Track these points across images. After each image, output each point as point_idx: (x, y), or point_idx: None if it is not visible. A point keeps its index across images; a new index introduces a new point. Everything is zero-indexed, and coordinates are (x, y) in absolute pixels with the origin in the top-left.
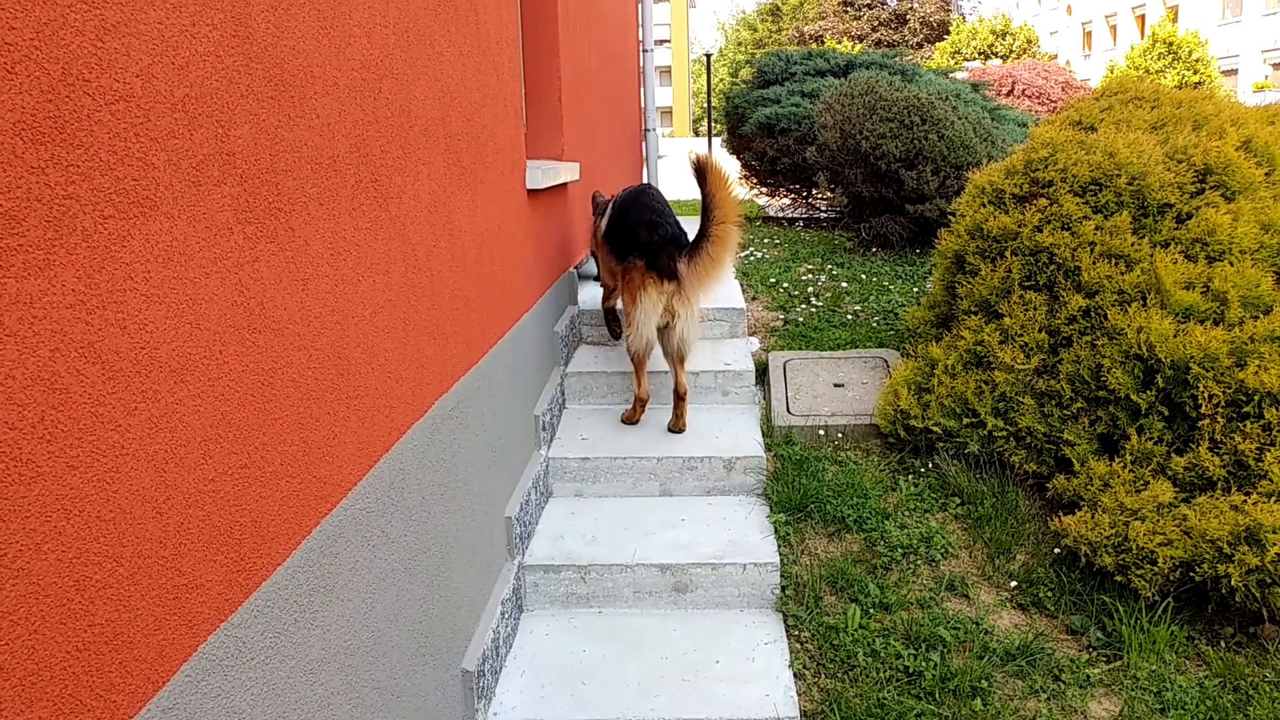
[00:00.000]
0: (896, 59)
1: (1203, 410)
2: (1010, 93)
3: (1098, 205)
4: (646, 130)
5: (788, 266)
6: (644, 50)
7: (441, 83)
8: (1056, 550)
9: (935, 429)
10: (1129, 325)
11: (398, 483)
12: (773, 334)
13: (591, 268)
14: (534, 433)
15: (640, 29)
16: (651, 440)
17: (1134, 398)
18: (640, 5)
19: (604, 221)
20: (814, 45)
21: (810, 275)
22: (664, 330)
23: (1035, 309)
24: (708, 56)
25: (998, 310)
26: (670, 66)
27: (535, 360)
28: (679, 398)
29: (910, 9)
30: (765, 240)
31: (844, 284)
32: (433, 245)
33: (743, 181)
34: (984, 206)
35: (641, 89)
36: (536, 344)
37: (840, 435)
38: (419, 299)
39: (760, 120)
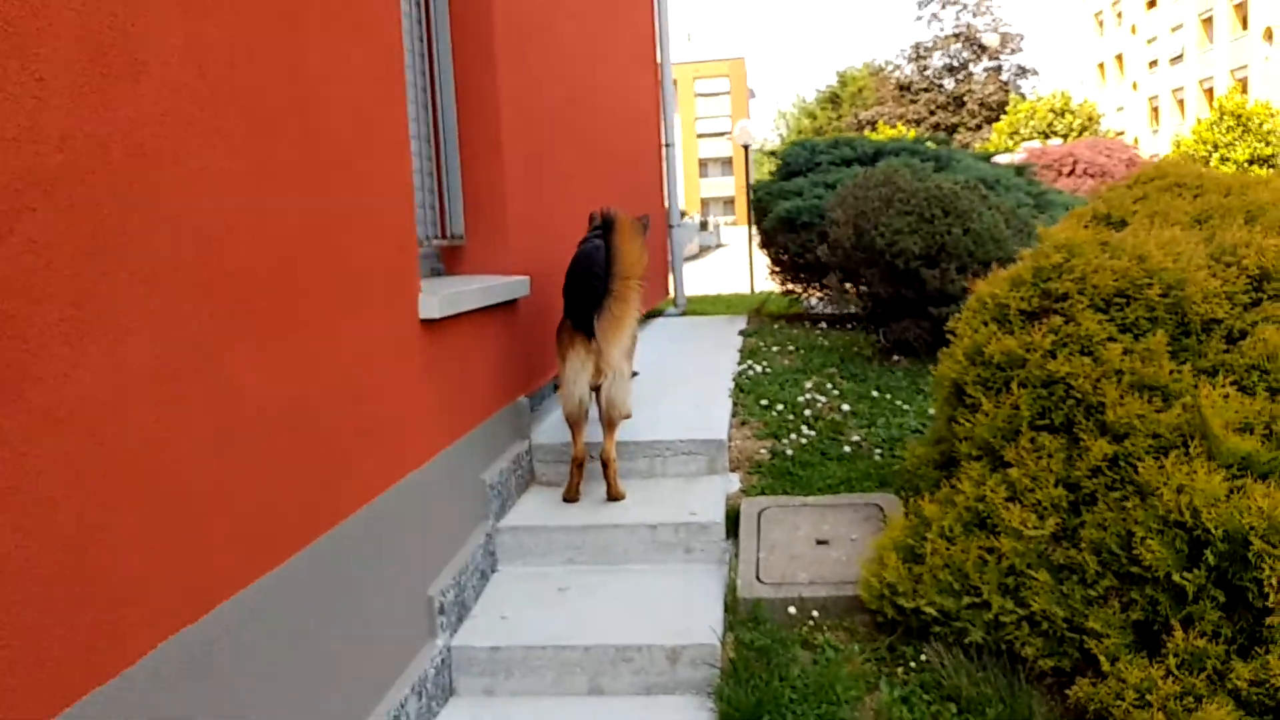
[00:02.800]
0: (929, 144)
1: (1270, 601)
2: (1071, 172)
3: (1125, 323)
4: (670, 226)
5: (794, 380)
6: (665, 145)
7: (199, 207)
8: None
9: (928, 610)
10: (1165, 483)
11: None
12: (756, 470)
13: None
14: (425, 619)
15: (661, 125)
16: (581, 620)
17: (1177, 578)
18: (660, 103)
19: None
20: (868, 131)
21: (813, 393)
22: (597, 392)
23: (1050, 456)
24: (745, 148)
25: (1003, 456)
26: (731, 157)
27: (434, 524)
28: (604, 463)
29: (968, 91)
30: (777, 346)
31: (849, 405)
32: (150, 435)
33: (772, 276)
34: (985, 325)
35: (664, 185)
36: (438, 502)
37: (819, 610)
38: (117, 521)
39: (780, 214)
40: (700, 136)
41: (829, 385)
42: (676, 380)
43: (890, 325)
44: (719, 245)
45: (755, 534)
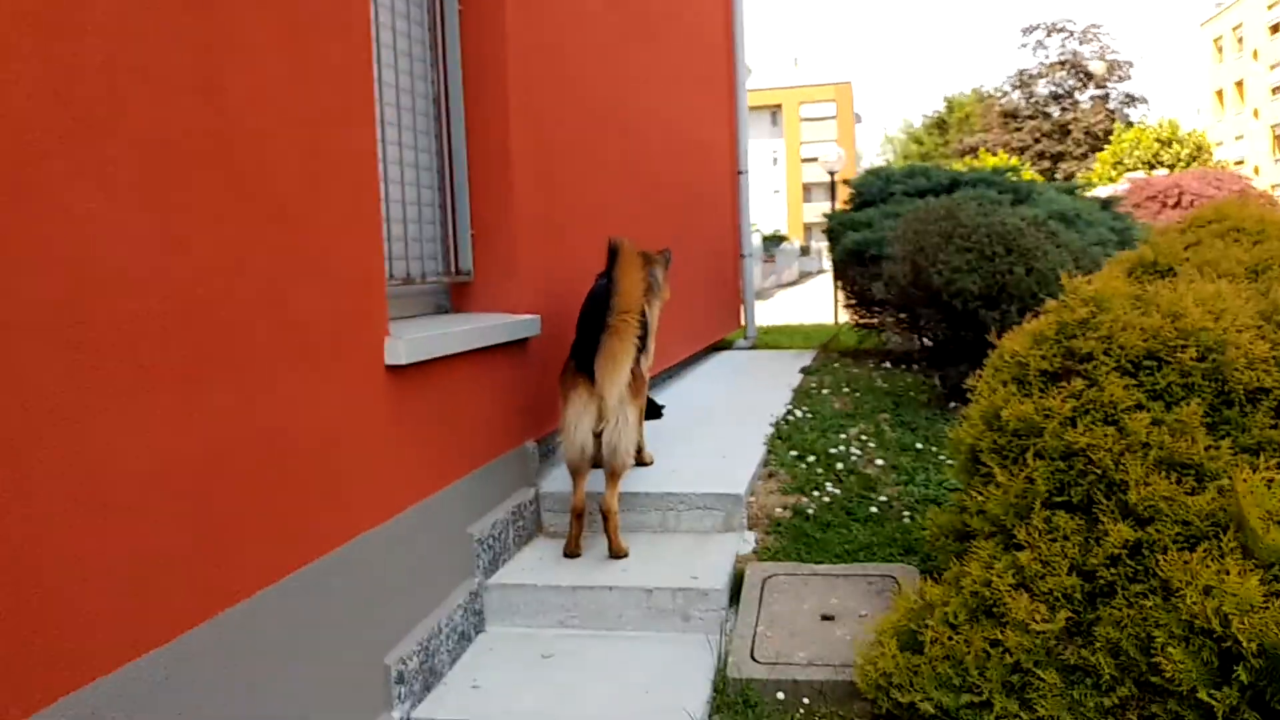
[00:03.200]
0: (1009, 175)
1: None
2: (1177, 204)
3: (1156, 389)
4: (743, 256)
5: (838, 427)
6: (740, 173)
7: (55, 253)
8: None
9: (925, 705)
10: (1189, 582)
11: None
12: (774, 530)
13: None
14: (380, 689)
15: (736, 152)
16: (556, 694)
17: (1203, 695)
18: (736, 129)
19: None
20: (969, 158)
21: (853, 443)
22: (599, 437)
23: (1065, 539)
24: (832, 175)
25: (1015, 536)
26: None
27: (397, 585)
28: (604, 516)
29: (1074, 119)
30: (831, 388)
31: (889, 458)
32: None
33: (846, 309)
34: (1005, 385)
35: (738, 214)
36: (405, 561)
37: (814, 696)
38: None
39: (848, 246)
40: (805, 161)
41: (873, 434)
42: (713, 423)
43: (948, 370)
44: (820, 271)
45: (756, 605)
